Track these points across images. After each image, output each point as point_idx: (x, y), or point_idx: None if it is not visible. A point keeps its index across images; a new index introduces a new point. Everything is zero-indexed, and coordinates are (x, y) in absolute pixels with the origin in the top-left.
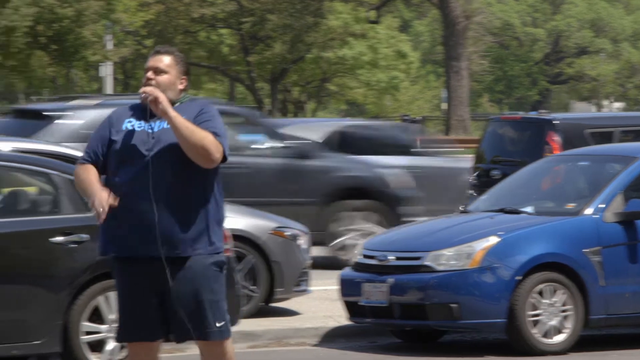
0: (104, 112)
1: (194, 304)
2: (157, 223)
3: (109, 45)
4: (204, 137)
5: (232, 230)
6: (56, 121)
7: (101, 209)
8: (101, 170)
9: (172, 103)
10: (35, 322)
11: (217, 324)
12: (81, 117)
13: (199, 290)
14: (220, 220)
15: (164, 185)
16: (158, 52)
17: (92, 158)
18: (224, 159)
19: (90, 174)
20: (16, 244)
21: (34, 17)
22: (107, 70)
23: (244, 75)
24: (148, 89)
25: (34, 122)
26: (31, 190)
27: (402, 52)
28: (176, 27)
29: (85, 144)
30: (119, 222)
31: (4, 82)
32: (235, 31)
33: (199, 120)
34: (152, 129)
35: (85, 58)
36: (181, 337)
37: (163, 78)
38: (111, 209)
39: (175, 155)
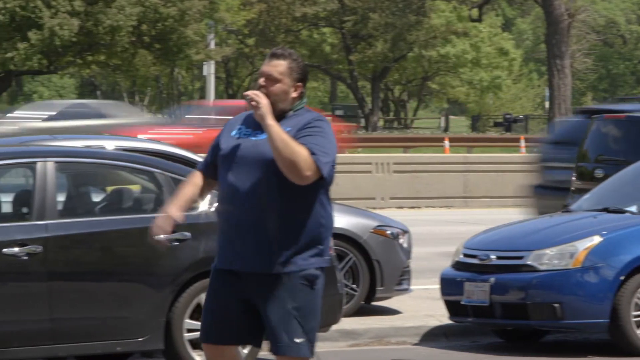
0: None
1: (274, 318)
2: (241, 236)
3: (212, 45)
4: (296, 151)
5: (333, 229)
6: None
7: (155, 236)
8: (214, 177)
9: (284, 112)
10: (138, 319)
11: (296, 340)
12: None
13: (280, 304)
14: (318, 237)
15: (254, 197)
16: (274, 56)
17: (203, 165)
18: (322, 177)
19: (188, 185)
20: (120, 241)
21: (138, 16)
22: (210, 69)
23: (346, 74)
24: (251, 92)
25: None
26: (135, 188)
27: (504, 50)
28: (278, 26)
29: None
30: (220, 232)
31: (108, 81)
32: (337, 30)
33: (301, 133)
34: (256, 137)
35: (188, 57)
36: (273, 350)
37: (275, 88)
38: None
39: (271, 168)
